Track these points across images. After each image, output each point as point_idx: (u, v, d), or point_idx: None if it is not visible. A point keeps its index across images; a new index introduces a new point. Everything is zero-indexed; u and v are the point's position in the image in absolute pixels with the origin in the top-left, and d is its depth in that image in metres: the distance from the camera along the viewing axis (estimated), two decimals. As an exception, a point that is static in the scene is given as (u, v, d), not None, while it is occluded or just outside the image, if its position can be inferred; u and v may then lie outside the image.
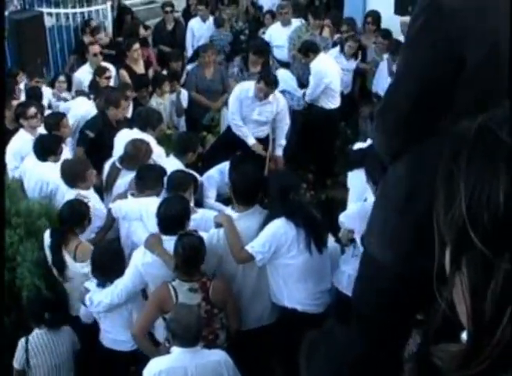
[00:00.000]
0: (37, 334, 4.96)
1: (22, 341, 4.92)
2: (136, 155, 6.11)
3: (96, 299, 4.85)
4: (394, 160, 2.97)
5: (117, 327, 5.02)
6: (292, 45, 9.55)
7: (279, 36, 10.05)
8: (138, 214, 5.41)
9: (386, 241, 3.12)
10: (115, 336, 5.05)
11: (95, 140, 7.13)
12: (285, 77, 8.64)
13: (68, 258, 5.18)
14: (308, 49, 8.58)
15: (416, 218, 2.82)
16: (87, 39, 10.37)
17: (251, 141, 7.69)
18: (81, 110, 7.76)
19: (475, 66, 2.47)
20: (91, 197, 5.81)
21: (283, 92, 8.22)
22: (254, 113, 7.58)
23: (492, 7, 2.39)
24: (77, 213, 5.31)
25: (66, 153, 6.64)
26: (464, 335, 0.89)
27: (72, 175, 5.80)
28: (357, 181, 5.30)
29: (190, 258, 4.59)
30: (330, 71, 8.54)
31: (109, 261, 4.93)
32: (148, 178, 5.59)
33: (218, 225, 4.99)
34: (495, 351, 0.80)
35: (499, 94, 2.04)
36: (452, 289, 0.88)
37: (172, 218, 4.84)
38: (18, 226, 5.35)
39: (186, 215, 4.93)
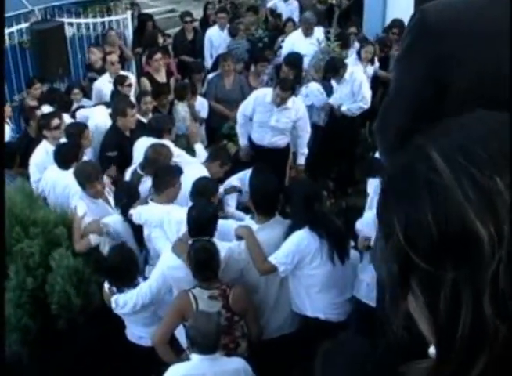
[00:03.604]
0: None
1: None
2: (157, 159, 6.11)
3: (122, 301, 4.90)
4: None
5: (138, 326, 5.16)
6: (317, 63, 9.46)
7: (300, 45, 9.94)
8: (158, 221, 5.40)
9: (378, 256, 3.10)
10: (136, 332, 5.20)
11: (118, 156, 7.15)
12: (315, 92, 8.63)
13: None
14: (336, 67, 8.48)
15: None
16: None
17: (243, 142, 7.88)
18: (97, 119, 7.77)
19: (460, 91, 2.39)
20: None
21: (311, 106, 8.21)
22: (271, 119, 7.55)
23: (480, 30, 2.30)
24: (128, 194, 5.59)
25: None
26: (431, 350, 0.95)
27: (81, 177, 5.80)
28: (376, 188, 5.30)
29: (203, 260, 4.59)
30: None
31: (123, 265, 4.97)
32: (165, 177, 5.62)
33: (239, 237, 4.99)
34: (460, 356, 0.87)
35: None
36: (403, 311, 0.95)
37: (202, 222, 4.84)
38: (36, 236, 5.38)
39: (215, 220, 4.95)
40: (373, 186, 5.50)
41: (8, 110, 8.57)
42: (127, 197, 5.60)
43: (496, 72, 2.23)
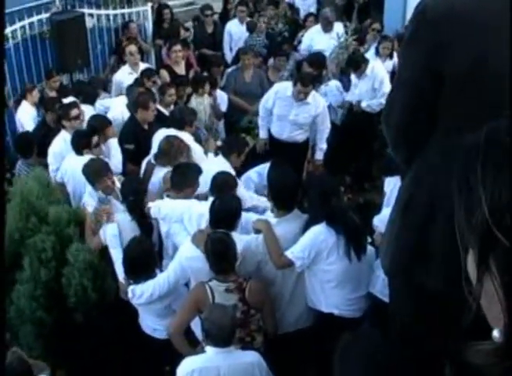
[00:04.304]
0: None
1: None
2: (169, 151, 6.15)
3: (138, 291, 4.91)
4: (408, 169, 2.96)
5: (152, 317, 5.15)
6: (335, 58, 9.44)
7: (320, 41, 9.93)
8: (179, 215, 5.40)
9: (387, 249, 3.11)
10: (150, 323, 5.19)
11: (135, 149, 7.18)
12: (334, 90, 8.59)
13: None
14: (358, 62, 8.46)
15: (408, 231, 2.82)
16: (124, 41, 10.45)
17: (263, 134, 7.93)
18: (114, 110, 7.83)
19: (457, 80, 2.42)
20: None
21: (328, 107, 8.19)
22: (291, 113, 7.58)
23: (480, 21, 2.34)
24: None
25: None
26: (496, 333, 0.92)
27: (90, 174, 5.82)
28: (394, 186, 5.29)
29: (218, 251, 4.60)
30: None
31: (142, 256, 4.98)
32: (186, 176, 5.62)
33: (257, 231, 4.98)
34: None
35: (489, 108, 2.04)
36: (481, 291, 0.92)
37: (225, 214, 4.86)
38: (48, 234, 5.41)
39: (238, 214, 4.95)
40: (391, 184, 5.49)
41: (36, 95, 8.63)
42: (133, 194, 5.58)
43: (496, 63, 2.26)
